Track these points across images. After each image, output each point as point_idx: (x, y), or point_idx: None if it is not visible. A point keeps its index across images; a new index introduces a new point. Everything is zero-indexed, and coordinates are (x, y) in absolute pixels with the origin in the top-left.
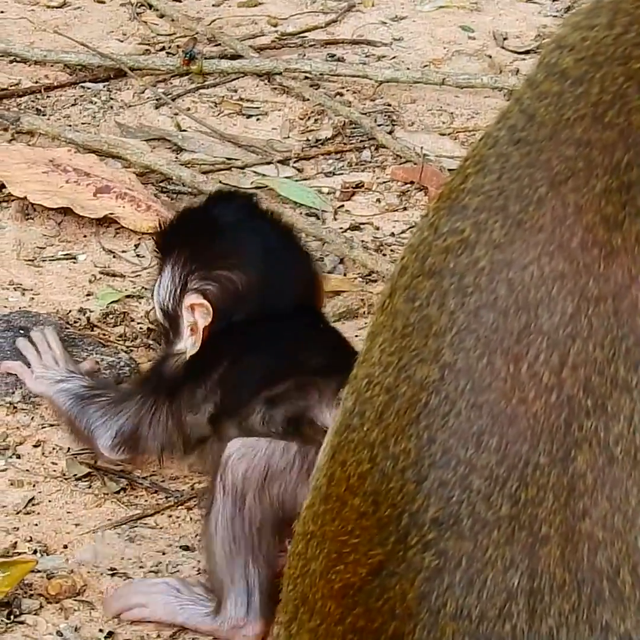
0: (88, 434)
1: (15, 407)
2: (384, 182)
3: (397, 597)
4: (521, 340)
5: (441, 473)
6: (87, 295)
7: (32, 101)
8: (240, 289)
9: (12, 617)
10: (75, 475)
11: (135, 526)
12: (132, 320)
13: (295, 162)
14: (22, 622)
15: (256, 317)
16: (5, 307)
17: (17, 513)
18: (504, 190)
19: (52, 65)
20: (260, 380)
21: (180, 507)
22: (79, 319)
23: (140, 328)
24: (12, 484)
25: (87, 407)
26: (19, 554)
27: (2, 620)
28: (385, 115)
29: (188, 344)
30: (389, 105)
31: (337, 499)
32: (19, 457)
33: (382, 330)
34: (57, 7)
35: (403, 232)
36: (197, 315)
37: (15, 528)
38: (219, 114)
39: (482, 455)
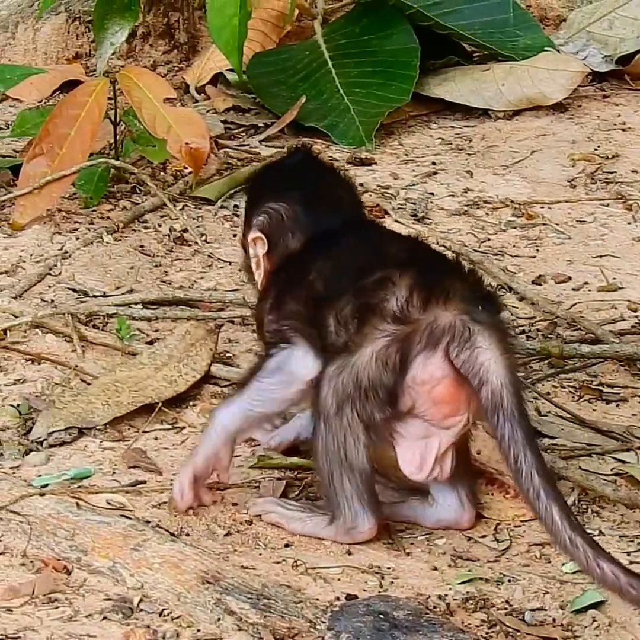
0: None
1: None
2: None
3: None
4: None
5: None
6: (445, 579)
7: None
8: (287, 216)
9: None
10: None
11: None
12: (493, 605)
13: None
14: None
15: (313, 240)
16: (365, 590)
17: None
18: None
19: None
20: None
21: None
22: (438, 604)
23: (500, 614)
24: None
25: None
26: None
27: None
28: None
29: (257, 278)
30: None
31: None
32: None
33: None
34: None
35: None
36: (258, 248)
37: None
38: (578, 399)
39: None
